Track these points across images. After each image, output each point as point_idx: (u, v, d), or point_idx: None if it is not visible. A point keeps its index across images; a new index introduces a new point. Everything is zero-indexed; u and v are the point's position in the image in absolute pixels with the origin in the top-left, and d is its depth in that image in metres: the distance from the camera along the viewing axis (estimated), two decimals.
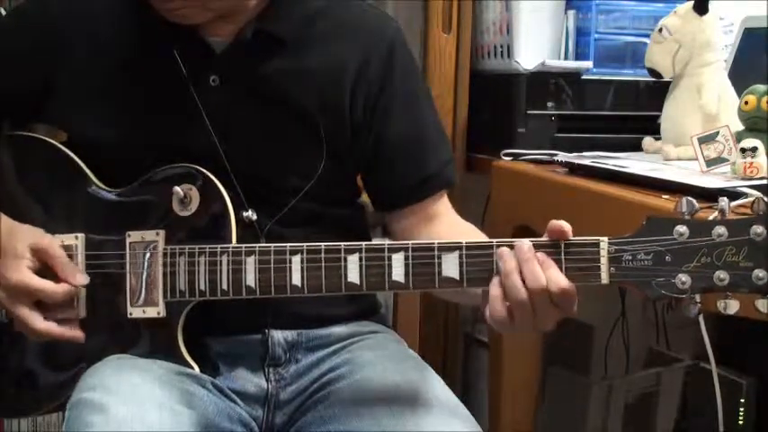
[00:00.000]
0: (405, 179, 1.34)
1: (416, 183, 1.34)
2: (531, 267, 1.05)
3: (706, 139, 1.44)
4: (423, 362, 1.32)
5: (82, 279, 1.23)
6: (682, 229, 1.01)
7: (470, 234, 1.31)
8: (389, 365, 1.27)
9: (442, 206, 1.37)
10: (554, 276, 1.04)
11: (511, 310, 1.06)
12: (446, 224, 1.35)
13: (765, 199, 0.99)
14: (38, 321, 1.21)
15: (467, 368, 2.25)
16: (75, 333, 1.23)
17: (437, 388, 1.24)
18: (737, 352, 2.02)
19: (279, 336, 1.30)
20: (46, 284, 1.21)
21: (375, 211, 1.40)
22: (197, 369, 1.22)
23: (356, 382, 1.25)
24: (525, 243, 1.06)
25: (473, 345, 2.24)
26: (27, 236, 1.23)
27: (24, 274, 1.20)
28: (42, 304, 1.22)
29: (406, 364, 1.29)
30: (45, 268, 1.22)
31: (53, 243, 1.23)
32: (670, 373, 2.24)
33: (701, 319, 1.28)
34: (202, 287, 1.18)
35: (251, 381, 1.29)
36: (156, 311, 1.21)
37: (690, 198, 1.02)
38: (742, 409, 2.07)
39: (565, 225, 1.06)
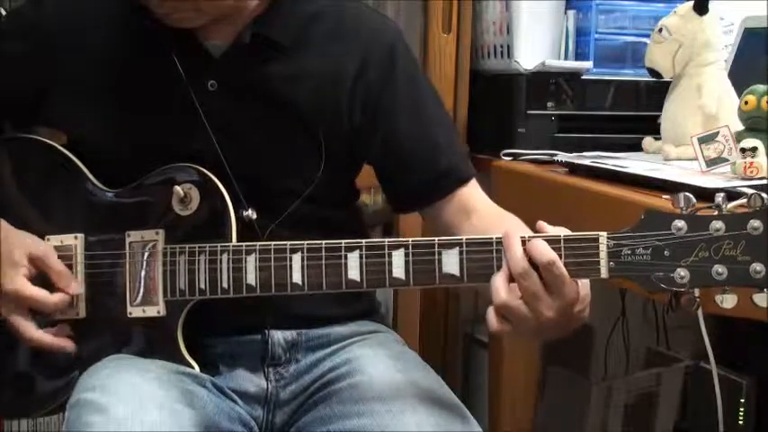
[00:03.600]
0: (418, 179, 1.33)
1: (429, 182, 1.33)
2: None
3: (706, 139, 1.43)
4: (423, 361, 1.32)
5: (77, 288, 1.24)
6: (680, 223, 1.02)
7: (511, 224, 1.26)
8: (389, 365, 1.27)
9: (473, 198, 1.34)
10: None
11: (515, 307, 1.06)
12: (485, 216, 1.32)
13: (762, 194, 1.00)
14: (30, 330, 1.22)
15: (467, 368, 2.25)
16: (65, 344, 1.24)
17: (437, 388, 1.24)
18: (737, 352, 2.01)
19: (279, 336, 1.30)
20: (40, 293, 1.22)
21: (395, 213, 1.40)
22: (197, 368, 1.22)
23: (356, 381, 1.25)
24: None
25: (473, 345, 2.24)
26: (24, 243, 1.23)
27: (20, 282, 1.21)
28: None
29: (406, 363, 1.29)
30: (41, 276, 1.23)
31: (49, 251, 1.24)
32: (670, 373, 2.24)
33: (701, 319, 1.28)
34: (203, 286, 1.18)
35: (251, 380, 1.29)
36: (155, 311, 1.21)
37: (687, 193, 1.03)
38: (742, 409, 2.07)
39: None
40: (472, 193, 1.35)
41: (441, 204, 1.33)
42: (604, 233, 1.05)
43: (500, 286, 1.05)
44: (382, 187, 1.39)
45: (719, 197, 1.02)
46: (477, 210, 1.33)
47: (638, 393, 2.22)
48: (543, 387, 2.15)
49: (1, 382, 1.31)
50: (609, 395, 2.18)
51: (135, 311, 1.22)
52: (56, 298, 1.22)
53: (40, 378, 1.29)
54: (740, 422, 2.07)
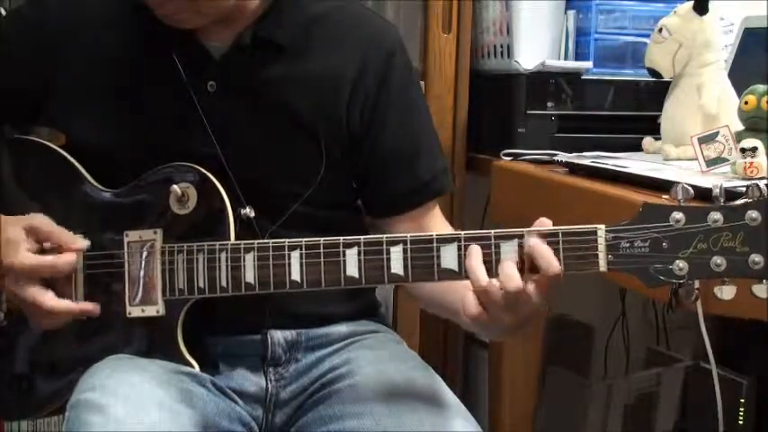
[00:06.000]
0: (398, 187, 1.33)
1: (410, 190, 1.34)
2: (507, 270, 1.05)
3: (706, 139, 1.43)
4: (423, 361, 1.32)
5: (83, 243, 1.23)
6: (678, 215, 1.02)
7: None
8: (389, 365, 1.27)
9: (435, 217, 1.36)
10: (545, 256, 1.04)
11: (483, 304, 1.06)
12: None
13: (760, 184, 1.00)
14: (50, 299, 1.21)
15: (467, 368, 2.25)
16: (90, 307, 1.23)
17: (437, 388, 1.24)
18: (737, 352, 2.01)
19: (278, 335, 1.30)
20: (50, 258, 1.22)
21: (368, 218, 1.40)
22: (197, 367, 1.21)
23: (356, 381, 1.25)
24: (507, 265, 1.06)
25: (473, 345, 2.24)
26: (18, 219, 1.23)
27: (25, 255, 1.21)
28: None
29: (406, 363, 1.29)
30: (42, 249, 1.23)
31: (44, 219, 1.24)
32: (670, 373, 2.24)
33: (701, 319, 1.28)
34: (201, 285, 1.18)
35: (251, 380, 1.29)
36: (155, 310, 1.21)
37: (685, 185, 1.03)
38: (742, 409, 2.07)
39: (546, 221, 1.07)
40: (435, 211, 1.36)
41: (408, 215, 1.34)
42: (602, 226, 1.04)
43: (477, 269, 1.05)
44: (359, 191, 1.37)
45: (717, 188, 1.01)
46: (433, 227, 1.34)
47: (638, 393, 2.21)
48: (543, 387, 2.15)
49: (1, 384, 1.31)
50: (609, 395, 2.18)
51: (134, 311, 1.22)
52: (66, 258, 1.22)
53: (40, 380, 1.29)
54: (740, 422, 2.07)
